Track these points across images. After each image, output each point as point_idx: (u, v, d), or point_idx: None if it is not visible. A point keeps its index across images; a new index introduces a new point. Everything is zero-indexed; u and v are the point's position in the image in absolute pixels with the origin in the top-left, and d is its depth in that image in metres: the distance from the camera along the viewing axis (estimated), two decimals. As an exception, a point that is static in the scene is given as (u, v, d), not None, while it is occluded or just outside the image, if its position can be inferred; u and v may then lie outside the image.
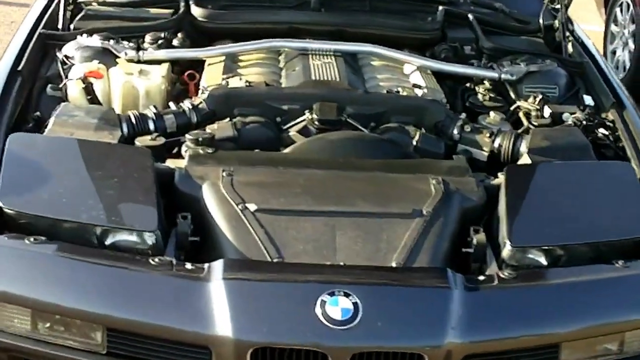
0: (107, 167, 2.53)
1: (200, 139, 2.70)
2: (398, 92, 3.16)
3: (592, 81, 3.54)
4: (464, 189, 2.61)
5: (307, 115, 2.94)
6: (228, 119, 2.92)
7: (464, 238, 2.49)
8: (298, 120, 2.96)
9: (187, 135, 2.74)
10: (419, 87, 3.23)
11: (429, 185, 2.58)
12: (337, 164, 2.70)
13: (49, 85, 3.11)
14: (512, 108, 3.29)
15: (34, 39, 3.30)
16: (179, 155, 2.75)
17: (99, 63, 3.12)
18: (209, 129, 2.86)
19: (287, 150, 2.81)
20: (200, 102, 2.97)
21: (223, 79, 3.12)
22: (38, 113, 2.90)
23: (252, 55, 3.38)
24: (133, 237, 2.34)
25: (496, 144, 2.98)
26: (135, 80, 3.07)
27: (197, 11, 3.59)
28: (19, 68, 3.06)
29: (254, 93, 3.03)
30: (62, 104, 2.88)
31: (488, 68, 3.46)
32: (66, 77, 3.10)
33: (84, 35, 3.30)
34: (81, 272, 2.24)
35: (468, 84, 3.45)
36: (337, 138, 2.85)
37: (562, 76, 3.53)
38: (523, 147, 2.92)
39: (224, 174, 2.54)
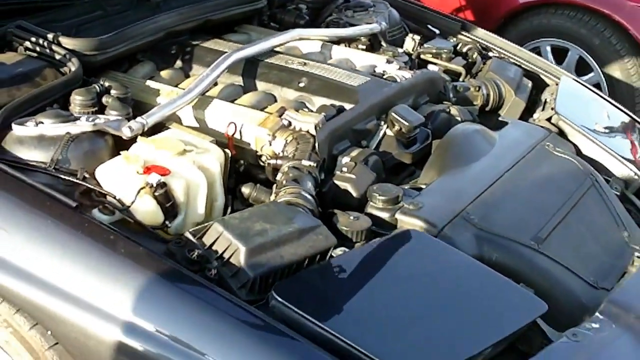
0: None
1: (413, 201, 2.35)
2: (385, 72, 2.98)
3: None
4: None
5: (384, 126, 2.66)
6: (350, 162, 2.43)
7: None
8: (379, 137, 2.64)
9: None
10: (389, 62, 3.04)
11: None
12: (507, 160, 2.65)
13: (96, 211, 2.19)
14: (414, 57, 3.28)
15: None
16: None
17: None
18: (343, 183, 2.33)
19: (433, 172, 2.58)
20: (310, 154, 2.37)
21: (285, 119, 2.53)
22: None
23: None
24: None
25: (484, 95, 3.08)
26: (202, 159, 2.32)
27: (75, 44, 2.71)
28: None
29: (347, 120, 2.57)
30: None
31: (368, 24, 3.36)
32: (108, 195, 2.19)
33: (30, 122, 2.33)
34: None
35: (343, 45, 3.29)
36: (464, 136, 2.69)
37: (393, 11, 3.57)
38: (503, 90, 3.12)
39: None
